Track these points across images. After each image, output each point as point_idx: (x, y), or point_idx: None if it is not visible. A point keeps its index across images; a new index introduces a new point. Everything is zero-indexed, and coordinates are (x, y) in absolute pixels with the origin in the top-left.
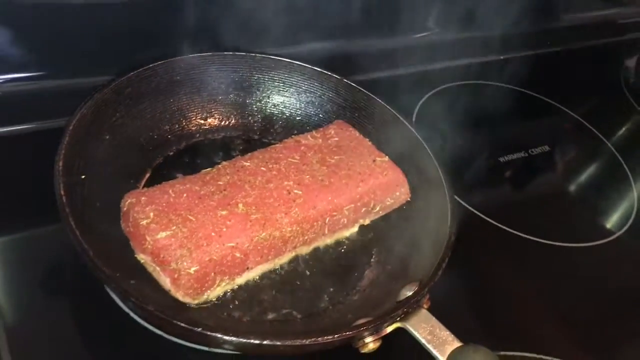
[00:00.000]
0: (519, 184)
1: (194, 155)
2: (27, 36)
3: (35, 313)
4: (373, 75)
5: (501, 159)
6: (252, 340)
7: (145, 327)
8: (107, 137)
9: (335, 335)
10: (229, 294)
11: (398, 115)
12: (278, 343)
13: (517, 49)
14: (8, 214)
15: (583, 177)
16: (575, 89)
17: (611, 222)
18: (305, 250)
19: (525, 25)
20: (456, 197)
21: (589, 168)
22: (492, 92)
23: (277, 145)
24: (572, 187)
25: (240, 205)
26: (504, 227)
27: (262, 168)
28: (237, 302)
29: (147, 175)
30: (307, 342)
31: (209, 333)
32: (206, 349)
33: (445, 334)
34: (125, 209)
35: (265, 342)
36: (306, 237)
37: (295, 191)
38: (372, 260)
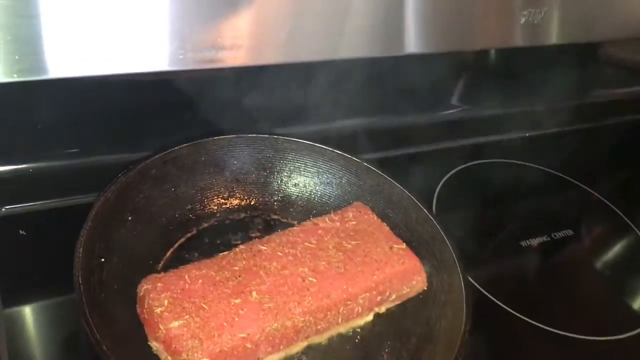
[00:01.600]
0: (540, 271)
1: (214, 236)
2: (59, 114)
3: None
4: (394, 152)
5: (523, 243)
6: None
7: None
8: (130, 218)
9: None
10: None
11: (416, 201)
12: None
13: (540, 126)
14: (31, 283)
15: (608, 263)
16: (599, 168)
17: None
18: (318, 339)
19: (549, 103)
20: (474, 283)
21: (614, 253)
22: (514, 171)
23: (294, 228)
24: (597, 275)
25: (254, 294)
26: (523, 317)
27: (279, 253)
28: None
29: (167, 255)
30: None
31: None
32: None
33: None
34: (141, 294)
35: None
36: (319, 327)
37: (310, 279)
38: (385, 351)
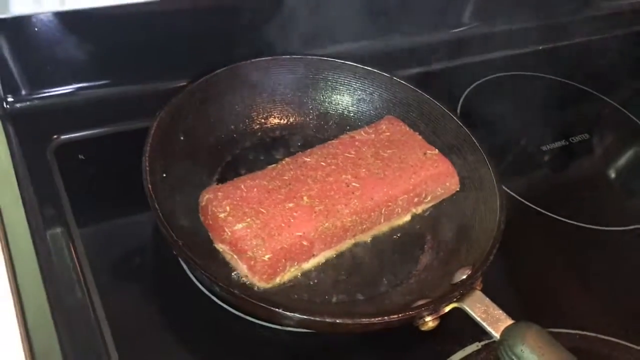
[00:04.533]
0: (560, 171)
1: (257, 153)
2: (108, 45)
3: (124, 290)
4: (416, 70)
5: (543, 148)
6: (326, 319)
7: (221, 305)
8: (182, 138)
9: (400, 315)
10: (297, 278)
11: (446, 110)
12: (349, 321)
13: (555, 38)
14: (97, 205)
15: (621, 163)
16: (613, 76)
17: None
18: (363, 237)
19: (563, 15)
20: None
21: (628, 154)
22: (532, 82)
23: (333, 141)
24: (612, 173)
25: (305, 198)
26: (547, 213)
27: (322, 163)
28: (305, 286)
29: (218, 171)
30: (375, 321)
31: (289, 313)
32: (278, 326)
33: (498, 312)
34: (204, 203)
35: (338, 321)
36: (364, 226)
37: (354, 184)
38: (425, 246)
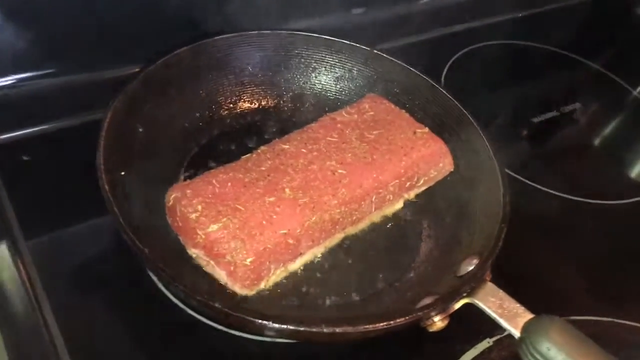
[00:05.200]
0: (553, 143)
1: (228, 142)
2: (48, 31)
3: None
4: (394, 43)
5: (534, 120)
6: (324, 329)
7: (199, 319)
8: (141, 129)
9: (407, 317)
10: (284, 281)
11: (433, 83)
12: (350, 330)
13: (533, 4)
14: (47, 212)
15: (614, 129)
16: (597, 40)
17: None
18: (353, 230)
19: None
20: None
21: (619, 120)
22: (513, 51)
23: (312, 125)
24: (604, 143)
25: (287, 190)
26: (542, 188)
27: (302, 150)
28: (293, 289)
29: (184, 165)
30: (380, 327)
31: (278, 325)
32: (267, 339)
33: (514, 306)
34: (170, 203)
35: (337, 330)
36: (354, 217)
37: (340, 171)
38: (422, 234)
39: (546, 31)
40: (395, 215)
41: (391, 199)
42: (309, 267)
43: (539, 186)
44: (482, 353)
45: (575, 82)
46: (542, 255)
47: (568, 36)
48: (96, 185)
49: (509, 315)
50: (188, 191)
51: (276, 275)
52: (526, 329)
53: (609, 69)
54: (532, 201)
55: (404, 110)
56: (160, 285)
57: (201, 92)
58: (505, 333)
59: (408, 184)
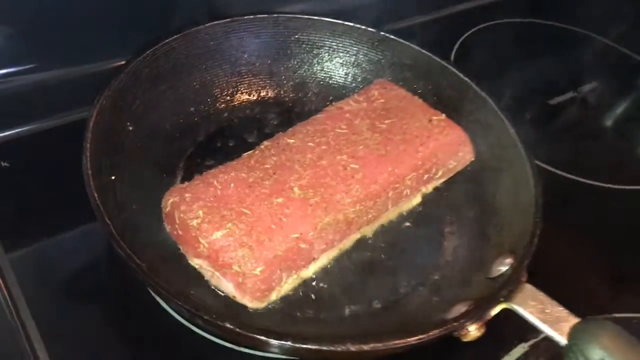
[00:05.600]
0: (571, 126)
1: (226, 138)
2: (25, 23)
3: (72, 316)
4: (400, 24)
5: (551, 102)
6: (350, 348)
7: (203, 336)
8: (131, 128)
9: (440, 330)
10: (298, 290)
11: (446, 65)
12: (380, 346)
13: None
14: (30, 222)
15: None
16: (612, 17)
17: None
18: (369, 230)
19: None
20: None
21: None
22: (524, 29)
23: (318, 115)
24: (626, 122)
25: (296, 189)
26: (573, 177)
27: (310, 144)
28: (307, 299)
29: (180, 166)
30: (412, 341)
31: (297, 345)
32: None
33: (557, 309)
34: (168, 209)
35: (365, 348)
36: (369, 216)
37: (352, 166)
38: (444, 231)
39: (555, 8)
40: (413, 211)
41: (408, 193)
42: (323, 273)
43: (565, 174)
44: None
45: (590, 61)
46: (571, 249)
47: (582, 12)
48: (84, 192)
49: (552, 319)
50: (187, 195)
51: (289, 284)
52: (574, 335)
53: (624, 46)
54: (557, 189)
55: (416, 97)
56: (159, 300)
57: (195, 84)
58: (541, 337)
59: (426, 176)
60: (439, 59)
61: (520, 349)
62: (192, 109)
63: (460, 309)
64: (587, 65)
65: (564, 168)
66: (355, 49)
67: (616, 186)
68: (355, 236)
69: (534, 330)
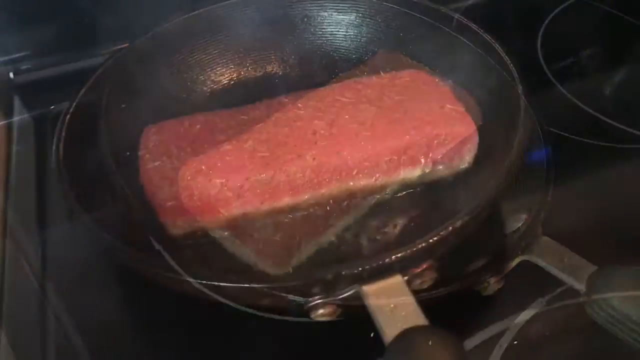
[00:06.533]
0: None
1: None
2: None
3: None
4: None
5: None
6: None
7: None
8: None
9: (460, 282)
10: (317, 255)
11: (479, 51)
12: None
13: None
14: None
15: None
16: None
17: None
18: (380, 196)
19: None
20: None
21: None
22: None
23: (333, 84)
24: None
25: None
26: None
27: (299, 104)
28: (327, 262)
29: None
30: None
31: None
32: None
33: (576, 258)
34: (186, 181)
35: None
36: (323, 190)
37: (322, 132)
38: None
39: None
40: (425, 175)
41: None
42: (340, 238)
43: None
44: (538, 314)
45: None
46: (582, 206)
47: None
48: None
49: (571, 268)
50: (203, 167)
51: (308, 249)
52: (593, 281)
53: None
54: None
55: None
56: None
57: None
58: (559, 290)
59: (410, 167)
60: (456, 35)
61: (539, 303)
62: (196, 86)
63: (479, 262)
64: None
65: None
66: (359, 20)
67: None
68: (368, 202)
69: (551, 286)
